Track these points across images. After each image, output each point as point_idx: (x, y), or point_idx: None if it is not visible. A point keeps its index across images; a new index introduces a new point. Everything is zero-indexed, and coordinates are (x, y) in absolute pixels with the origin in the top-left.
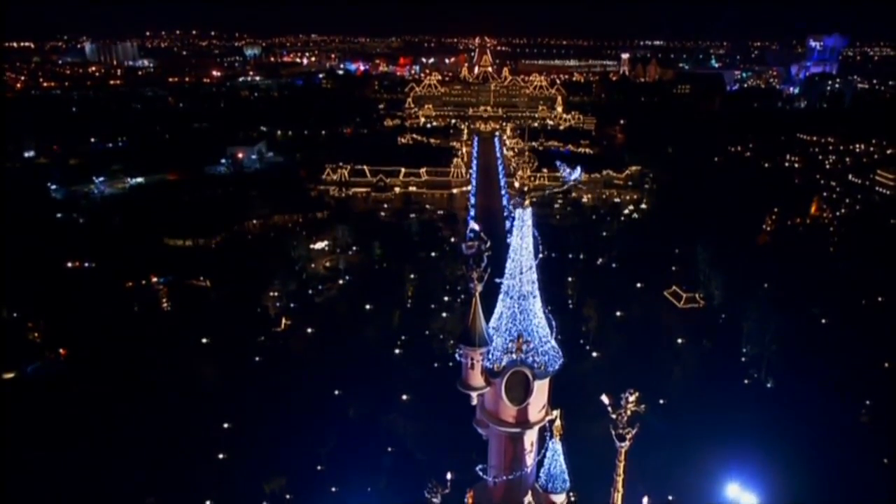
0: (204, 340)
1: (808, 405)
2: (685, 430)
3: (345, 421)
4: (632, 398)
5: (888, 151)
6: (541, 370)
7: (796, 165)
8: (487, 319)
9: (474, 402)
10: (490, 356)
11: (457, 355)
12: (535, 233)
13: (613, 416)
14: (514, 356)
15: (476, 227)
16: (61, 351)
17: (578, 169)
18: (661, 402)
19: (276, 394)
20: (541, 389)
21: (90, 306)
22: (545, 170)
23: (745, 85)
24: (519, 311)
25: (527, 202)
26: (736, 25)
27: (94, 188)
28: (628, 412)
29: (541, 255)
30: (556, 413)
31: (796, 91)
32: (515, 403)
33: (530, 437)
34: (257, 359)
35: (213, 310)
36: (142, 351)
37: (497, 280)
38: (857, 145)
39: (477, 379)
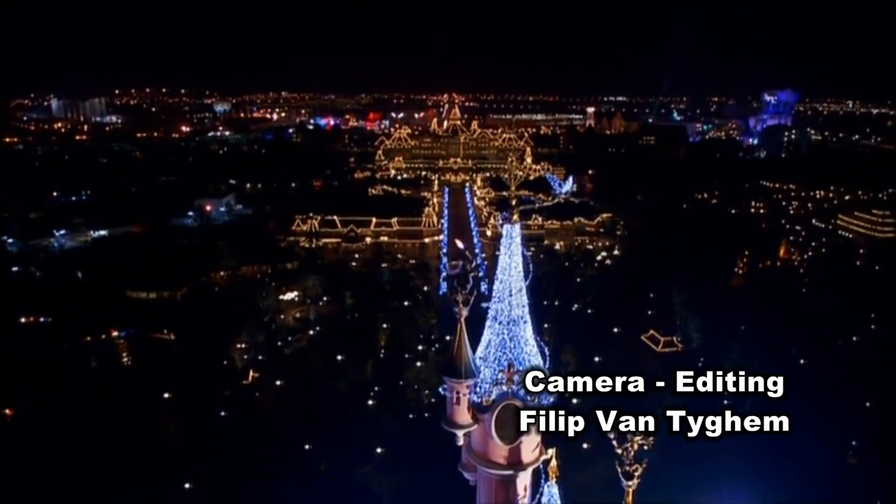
0: (166, 395)
1: (795, 448)
2: (673, 476)
3: (316, 476)
4: None
5: (846, 197)
6: (534, 403)
7: (762, 211)
8: (474, 348)
9: (460, 442)
10: (478, 389)
11: (440, 389)
12: (524, 252)
13: (619, 452)
14: (504, 388)
15: (461, 244)
16: (7, 411)
17: (570, 180)
18: (646, 447)
19: (244, 450)
20: None
21: (41, 363)
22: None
23: (707, 136)
24: (509, 338)
25: (515, 216)
26: (694, 82)
27: (54, 241)
28: (635, 446)
29: (531, 276)
30: (551, 452)
31: (755, 142)
32: (507, 442)
33: (523, 480)
34: (223, 413)
35: (177, 363)
36: (98, 408)
37: (484, 305)
38: (818, 192)
39: (463, 415)
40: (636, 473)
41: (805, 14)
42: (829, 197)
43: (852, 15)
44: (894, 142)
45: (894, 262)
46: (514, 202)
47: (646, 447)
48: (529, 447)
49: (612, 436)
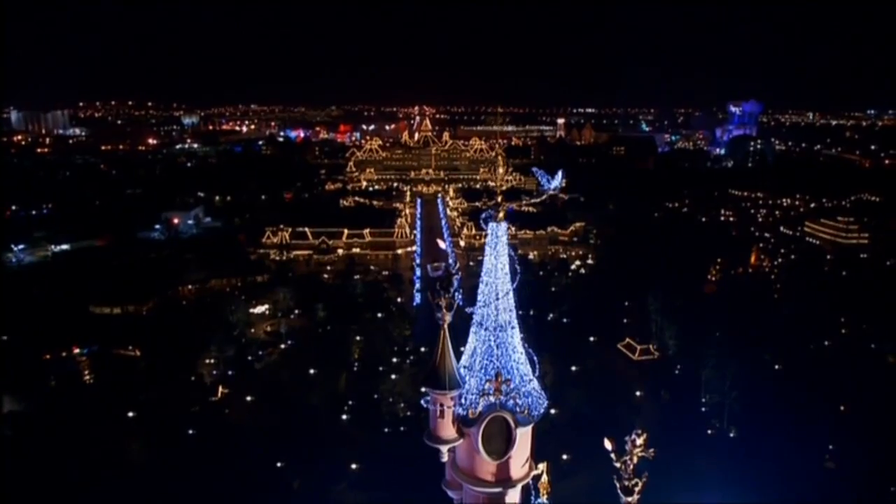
0: (131, 414)
1: (774, 453)
2: (654, 485)
3: (289, 495)
4: (639, 441)
5: (812, 205)
6: (524, 415)
7: (731, 219)
8: (458, 356)
9: (444, 458)
10: (463, 400)
11: (423, 402)
12: (510, 252)
13: (617, 465)
14: (492, 399)
15: (444, 245)
16: None
17: (559, 175)
18: (648, 458)
19: (213, 468)
20: (524, 439)
21: None
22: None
23: (675, 147)
24: (496, 345)
25: (501, 214)
26: (662, 93)
27: (13, 256)
28: (635, 459)
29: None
30: (541, 467)
31: (722, 152)
32: (495, 457)
33: (512, 497)
34: (191, 431)
35: (143, 380)
36: (58, 428)
37: (468, 310)
38: (784, 200)
39: (448, 429)
40: (636, 489)
41: (767, 29)
42: (796, 205)
43: (811, 31)
44: (854, 151)
45: (860, 267)
46: (499, 198)
47: (648, 458)
48: (519, 462)
49: (610, 448)
